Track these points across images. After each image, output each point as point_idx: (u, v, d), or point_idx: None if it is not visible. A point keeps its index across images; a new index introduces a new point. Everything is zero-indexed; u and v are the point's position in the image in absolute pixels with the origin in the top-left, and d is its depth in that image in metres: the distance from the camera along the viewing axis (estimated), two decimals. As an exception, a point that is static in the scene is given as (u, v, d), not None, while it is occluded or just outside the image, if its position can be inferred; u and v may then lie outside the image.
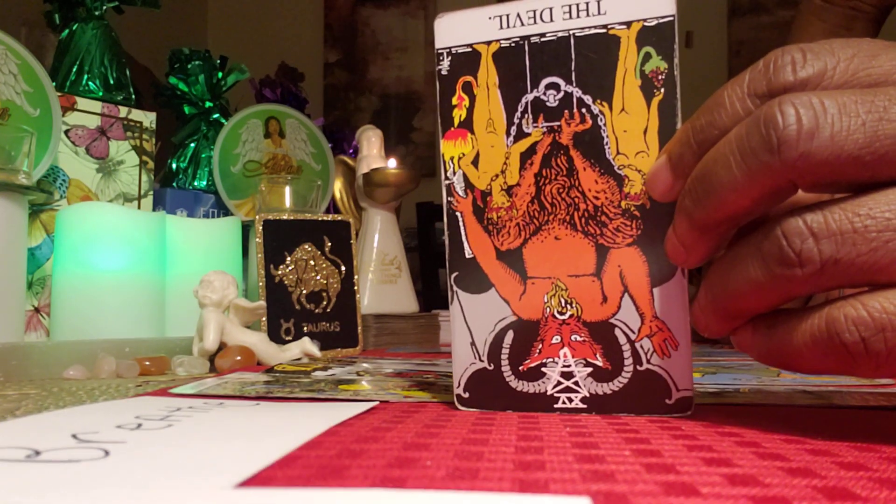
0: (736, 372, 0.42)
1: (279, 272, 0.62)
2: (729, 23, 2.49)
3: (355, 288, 0.67)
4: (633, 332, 0.26)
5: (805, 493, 0.15)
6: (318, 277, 0.65)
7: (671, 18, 0.26)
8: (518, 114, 0.28)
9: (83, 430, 0.21)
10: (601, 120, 0.27)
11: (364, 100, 2.66)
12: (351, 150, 1.14)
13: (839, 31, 0.68)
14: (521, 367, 0.27)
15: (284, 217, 0.64)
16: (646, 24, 0.26)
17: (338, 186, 0.98)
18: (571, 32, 0.27)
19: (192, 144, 0.88)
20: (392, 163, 0.90)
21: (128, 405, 0.28)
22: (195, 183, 0.87)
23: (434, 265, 1.83)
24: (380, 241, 0.86)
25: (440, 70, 0.29)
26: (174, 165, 0.88)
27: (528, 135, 0.27)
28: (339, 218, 0.68)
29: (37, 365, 0.44)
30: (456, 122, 0.28)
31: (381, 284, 0.84)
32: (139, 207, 0.72)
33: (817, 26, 0.69)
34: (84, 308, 0.56)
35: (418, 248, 1.83)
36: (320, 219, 0.67)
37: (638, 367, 0.26)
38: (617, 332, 0.26)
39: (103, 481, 0.15)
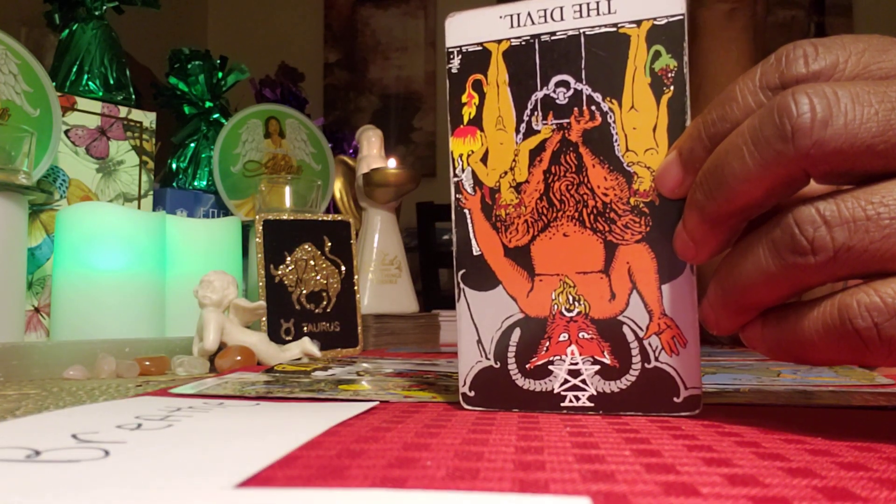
0: (736, 372, 0.42)
1: (279, 272, 0.62)
2: (729, 23, 2.48)
3: (355, 288, 0.67)
4: (642, 330, 0.26)
5: (805, 493, 0.15)
6: (318, 277, 0.65)
7: (681, 17, 0.26)
8: (528, 111, 0.28)
9: (83, 430, 0.21)
10: (611, 117, 0.26)
11: (364, 100, 2.66)
12: (351, 150, 1.14)
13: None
14: (527, 366, 0.27)
15: (284, 217, 0.64)
16: (655, 22, 0.26)
17: (338, 186, 0.98)
18: (582, 31, 0.27)
19: (192, 144, 0.88)
20: (392, 163, 0.90)
21: (128, 405, 0.28)
22: (195, 183, 0.87)
23: (434, 265, 1.83)
24: (380, 241, 0.86)
25: (450, 68, 0.29)
26: (174, 165, 0.88)
27: (538, 132, 0.27)
28: (339, 218, 0.68)
29: (37, 365, 0.44)
30: (465, 119, 0.28)
31: (381, 284, 0.84)
32: (139, 207, 0.72)
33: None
34: (84, 308, 0.56)
35: (418, 248, 1.83)
36: (320, 219, 0.67)
37: (646, 365, 0.26)
38: (625, 329, 0.26)
39: (103, 481, 0.15)
